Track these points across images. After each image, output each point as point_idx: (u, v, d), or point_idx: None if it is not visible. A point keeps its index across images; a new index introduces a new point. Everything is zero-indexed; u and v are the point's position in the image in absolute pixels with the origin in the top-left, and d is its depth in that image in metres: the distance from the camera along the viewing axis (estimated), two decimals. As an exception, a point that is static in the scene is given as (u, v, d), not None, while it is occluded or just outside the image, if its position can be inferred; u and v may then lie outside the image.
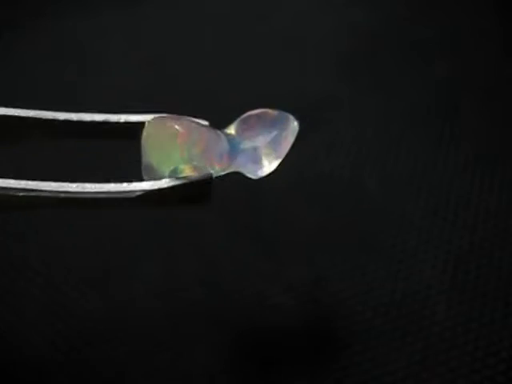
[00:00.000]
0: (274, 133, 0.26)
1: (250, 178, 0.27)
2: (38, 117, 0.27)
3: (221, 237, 0.37)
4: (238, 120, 0.26)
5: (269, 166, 0.27)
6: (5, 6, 0.47)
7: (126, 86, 0.43)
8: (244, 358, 0.33)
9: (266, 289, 0.35)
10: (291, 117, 0.27)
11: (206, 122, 0.26)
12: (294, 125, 0.27)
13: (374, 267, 0.35)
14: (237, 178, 0.35)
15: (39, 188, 0.23)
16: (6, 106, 0.27)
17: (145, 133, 0.24)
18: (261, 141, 0.26)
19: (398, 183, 0.39)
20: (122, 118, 0.27)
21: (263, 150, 0.26)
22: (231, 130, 0.26)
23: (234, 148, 0.26)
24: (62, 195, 0.23)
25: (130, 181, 0.24)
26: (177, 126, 0.24)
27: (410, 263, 0.35)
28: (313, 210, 0.38)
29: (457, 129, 0.41)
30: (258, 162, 0.26)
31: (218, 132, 0.26)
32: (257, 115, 0.26)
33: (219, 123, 0.40)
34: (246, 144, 0.26)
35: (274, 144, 0.26)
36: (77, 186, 0.24)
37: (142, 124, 0.25)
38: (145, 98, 0.42)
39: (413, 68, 0.44)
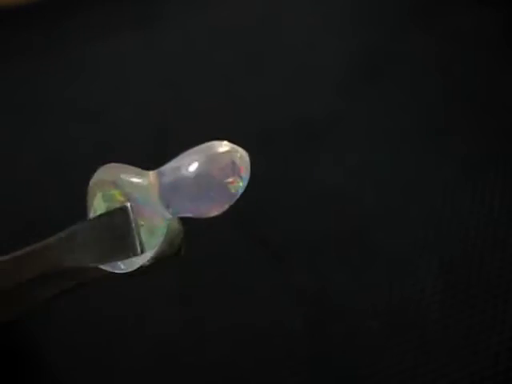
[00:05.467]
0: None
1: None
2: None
3: (231, 247, 0.39)
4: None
5: None
6: (21, 33, 0.49)
7: (145, 105, 0.45)
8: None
9: (274, 295, 0.37)
10: None
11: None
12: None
13: (372, 273, 0.38)
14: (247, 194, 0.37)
15: None
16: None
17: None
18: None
19: (394, 195, 0.41)
20: None
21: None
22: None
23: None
24: None
25: None
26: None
27: (405, 268, 0.38)
28: (316, 221, 0.40)
29: (450, 143, 0.43)
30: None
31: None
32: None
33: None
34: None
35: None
36: None
37: None
38: (163, 119, 0.45)
39: (408, 86, 0.46)
